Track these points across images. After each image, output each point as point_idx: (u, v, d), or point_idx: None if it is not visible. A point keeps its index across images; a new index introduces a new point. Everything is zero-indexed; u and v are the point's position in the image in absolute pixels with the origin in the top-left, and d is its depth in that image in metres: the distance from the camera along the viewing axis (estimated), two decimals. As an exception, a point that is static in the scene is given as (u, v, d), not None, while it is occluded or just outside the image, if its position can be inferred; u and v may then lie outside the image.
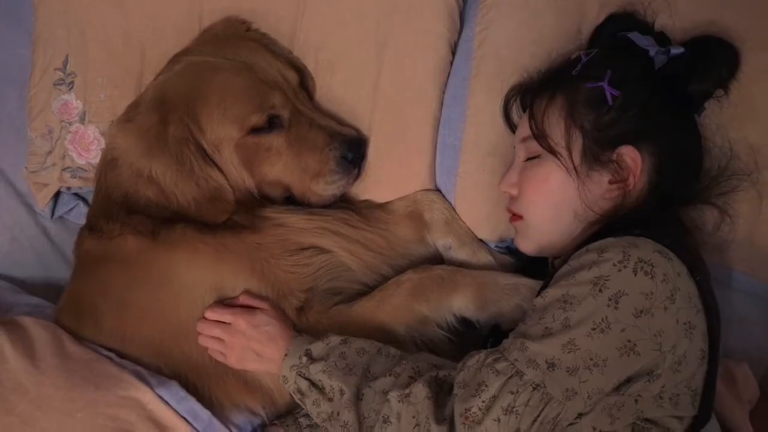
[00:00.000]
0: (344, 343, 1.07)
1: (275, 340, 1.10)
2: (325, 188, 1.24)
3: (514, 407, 0.87)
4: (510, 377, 0.89)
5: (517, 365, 0.90)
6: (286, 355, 1.08)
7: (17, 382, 1.05)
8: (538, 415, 0.88)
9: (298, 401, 1.08)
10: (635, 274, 0.90)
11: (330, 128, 1.25)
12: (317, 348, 1.07)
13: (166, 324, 1.14)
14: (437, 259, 1.33)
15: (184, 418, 1.05)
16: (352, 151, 1.25)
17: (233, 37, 1.28)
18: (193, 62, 1.22)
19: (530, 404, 0.88)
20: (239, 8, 1.35)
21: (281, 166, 1.22)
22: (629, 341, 0.89)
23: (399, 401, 0.95)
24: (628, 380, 0.90)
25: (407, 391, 0.96)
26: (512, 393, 0.88)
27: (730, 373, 1.17)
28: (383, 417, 0.96)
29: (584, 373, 0.88)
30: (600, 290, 0.90)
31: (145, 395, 1.05)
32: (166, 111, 1.16)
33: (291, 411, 1.17)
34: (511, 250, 1.32)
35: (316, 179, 1.23)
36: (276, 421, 1.13)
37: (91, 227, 1.24)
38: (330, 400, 1.02)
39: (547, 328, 0.91)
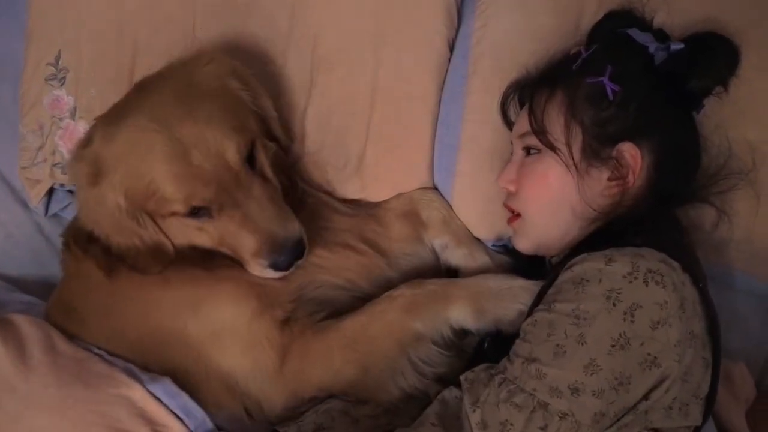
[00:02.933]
0: None
1: None
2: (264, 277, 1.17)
3: None
4: (533, 410, 0.87)
5: (537, 396, 0.88)
6: None
7: (7, 380, 1.03)
8: None
9: None
10: (647, 285, 0.89)
11: (263, 231, 1.11)
12: None
13: (146, 332, 1.13)
14: (434, 259, 1.32)
15: (177, 415, 1.04)
16: (285, 255, 1.13)
17: (199, 93, 1.14)
18: (136, 127, 1.10)
19: None
20: (234, 3, 1.33)
21: (215, 245, 1.16)
22: (649, 354, 0.88)
23: None
24: (646, 397, 0.89)
25: None
26: (541, 428, 0.86)
27: (727, 373, 1.17)
28: None
29: (611, 394, 0.87)
30: (614, 304, 0.89)
31: (136, 393, 1.04)
32: (104, 177, 1.11)
33: (291, 418, 1.15)
34: (508, 250, 1.31)
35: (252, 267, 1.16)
36: (277, 427, 1.12)
37: (65, 243, 1.23)
38: None
39: (558, 345, 0.89)
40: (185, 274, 1.14)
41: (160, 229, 1.13)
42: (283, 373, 1.11)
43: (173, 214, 1.11)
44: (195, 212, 1.10)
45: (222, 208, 1.10)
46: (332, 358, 1.11)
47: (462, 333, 1.13)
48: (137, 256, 1.13)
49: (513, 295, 1.10)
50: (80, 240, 1.17)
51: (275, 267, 1.13)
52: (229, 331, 1.12)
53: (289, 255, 1.13)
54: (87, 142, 1.15)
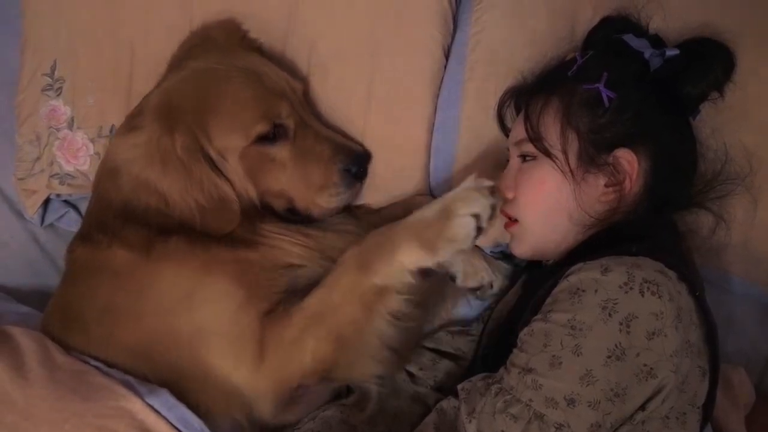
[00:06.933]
0: None
1: None
2: (329, 201, 1.23)
3: None
4: (529, 421, 0.87)
5: (533, 406, 0.87)
6: None
7: (5, 393, 1.03)
8: None
9: None
10: (642, 295, 0.89)
11: (335, 141, 1.24)
12: None
13: (147, 331, 1.12)
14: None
15: (176, 427, 1.03)
16: (357, 164, 1.24)
17: (239, 48, 1.27)
18: (199, 69, 1.20)
19: None
20: (231, 10, 1.34)
21: (285, 178, 1.21)
22: (645, 365, 0.87)
23: None
24: (643, 407, 0.89)
25: None
26: None
27: (726, 378, 1.16)
28: None
29: (607, 405, 0.86)
30: (609, 314, 0.88)
31: (135, 405, 1.03)
32: (173, 119, 1.14)
33: (287, 426, 1.14)
34: (506, 255, 1.31)
35: (319, 192, 1.22)
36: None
37: (83, 236, 1.22)
38: None
39: (554, 356, 0.89)
40: (191, 270, 1.12)
41: (228, 180, 1.17)
42: (265, 366, 1.08)
43: (255, 140, 1.16)
44: (274, 133, 1.18)
45: (297, 126, 1.21)
46: (304, 339, 1.07)
47: (426, 272, 1.07)
48: (204, 217, 1.14)
49: (454, 210, 1.03)
50: (110, 226, 1.16)
51: (350, 172, 1.23)
52: (213, 326, 1.10)
53: (362, 161, 1.26)
54: (137, 112, 1.19)
